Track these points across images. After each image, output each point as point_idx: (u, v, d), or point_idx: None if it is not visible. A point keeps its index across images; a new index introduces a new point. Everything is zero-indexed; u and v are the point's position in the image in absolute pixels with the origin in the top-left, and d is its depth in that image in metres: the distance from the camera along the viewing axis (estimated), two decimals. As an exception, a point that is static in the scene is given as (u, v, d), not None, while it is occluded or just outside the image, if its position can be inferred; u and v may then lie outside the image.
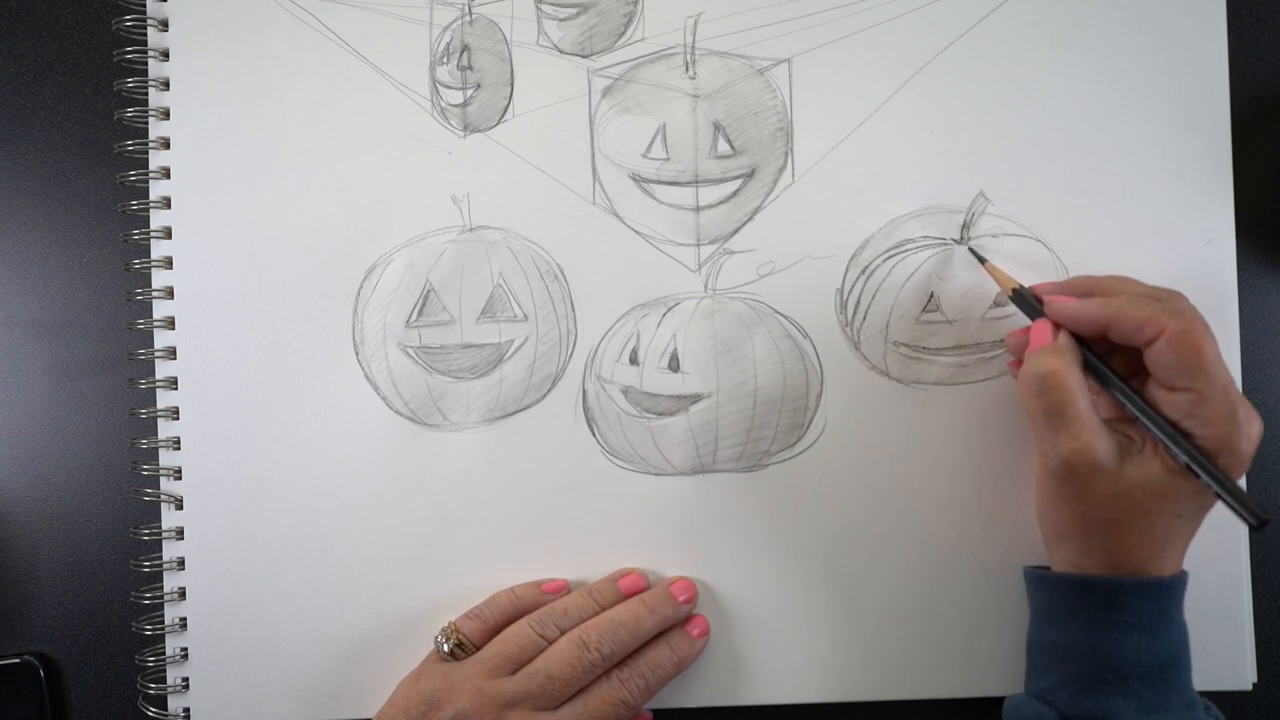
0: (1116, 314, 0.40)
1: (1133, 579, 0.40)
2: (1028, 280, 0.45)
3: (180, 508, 0.48)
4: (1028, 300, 0.44)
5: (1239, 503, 0.37)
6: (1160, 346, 0.38)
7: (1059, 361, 0.40)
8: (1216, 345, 0.39)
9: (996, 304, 0.47)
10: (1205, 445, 0.38)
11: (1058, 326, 0.42)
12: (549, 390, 0.48)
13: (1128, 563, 0.40)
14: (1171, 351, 0.38)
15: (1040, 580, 0.43)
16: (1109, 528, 0.40)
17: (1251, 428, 0.38)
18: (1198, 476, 0.38)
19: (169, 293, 0.48)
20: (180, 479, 0.48)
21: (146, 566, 0.48)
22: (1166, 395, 0.39)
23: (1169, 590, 0.40)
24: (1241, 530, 0.47)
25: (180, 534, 0.48)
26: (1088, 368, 0.41)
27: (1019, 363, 0.43)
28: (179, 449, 0.48)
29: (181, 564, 0.48)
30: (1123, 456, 0.40)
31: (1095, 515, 0.40)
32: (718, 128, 0.48)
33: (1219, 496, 0.38)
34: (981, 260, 0.46)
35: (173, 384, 0.48)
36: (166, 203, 0.48)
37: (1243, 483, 0.46)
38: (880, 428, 0.48)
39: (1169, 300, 0.40)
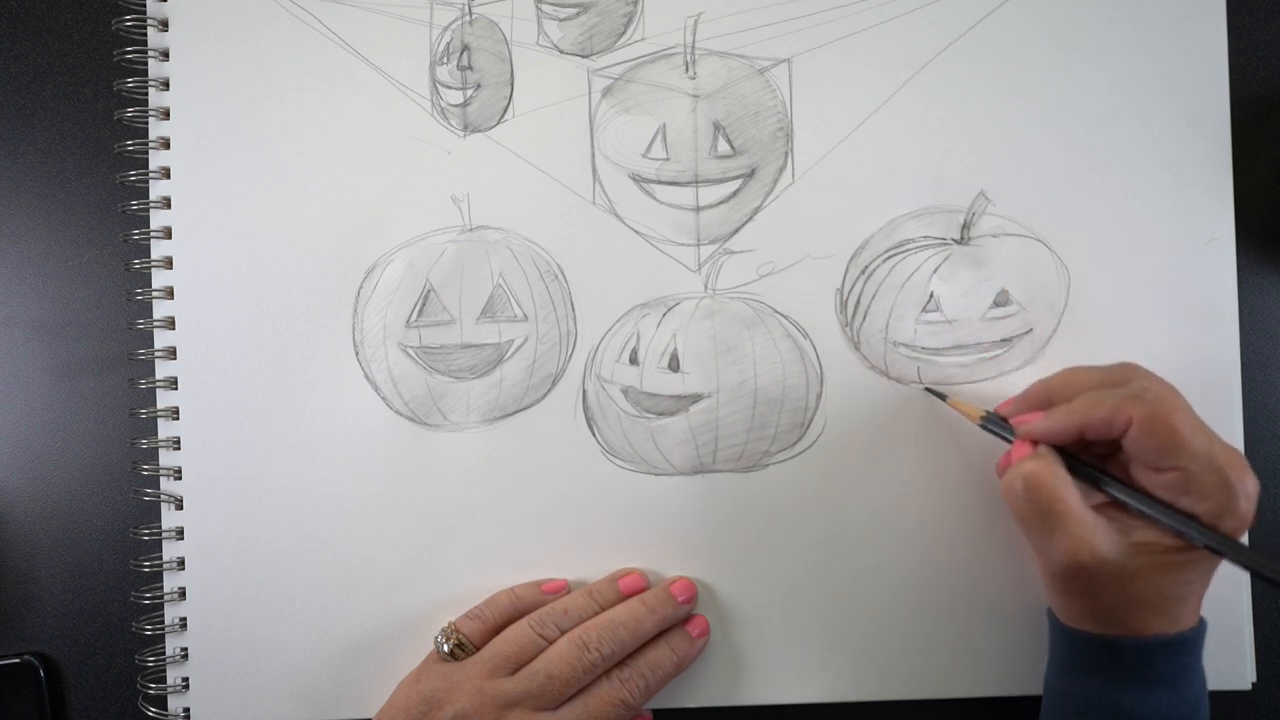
0: (1083, 418, 0.39)
1: (1156, 638, 0.39)
2: (1025, 280, 0.45)
3: (180, 508, 0.48)
4: (997, 424, 0.44)
5: (1266, 571, 0.36)
6: (1134, 435, 0.38)
7: (1039, 463, 0.40)
8: (1189, 412, 0.38)
9: (997, 304, 0.47)
10: (1207, 520, 0.38)
11: (1035, 443, 0.42)
12: (549, 390, 0.48)
13: (1148, 630, 0.39)
14: (1146, 437, 0.38)
15: (1061, 631, 0.42)
16: (1124, 609, 0.39)
17: (1246, 485, 0.38)
18: (1222, 555, 0.38)
19: (169, 293, 0.48)
20: (180, 479, 0.48)
21: (146, 566, 0.48)
22: (1154, 476, 0.39)
23: (1191, 644, 0.40)
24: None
25: (180, 534, 0.48)
26: (1078, 474, 0.40)
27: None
28: (179, 449, 0.48)
29: (181, 564, 0.48)
30: (1124, 539, 0.39)
31: (1107, 604, 0.39)
32: (718, 128, 0.48)
33: (1249, 570, 0.37)
34: (942, 397, 0.47)
35: (173, 384, 0.48)
36: (166, 203, 0.48)
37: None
38: (880, 428, 0.48)
39: (1126, 381, 0.40)
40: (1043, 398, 0.42)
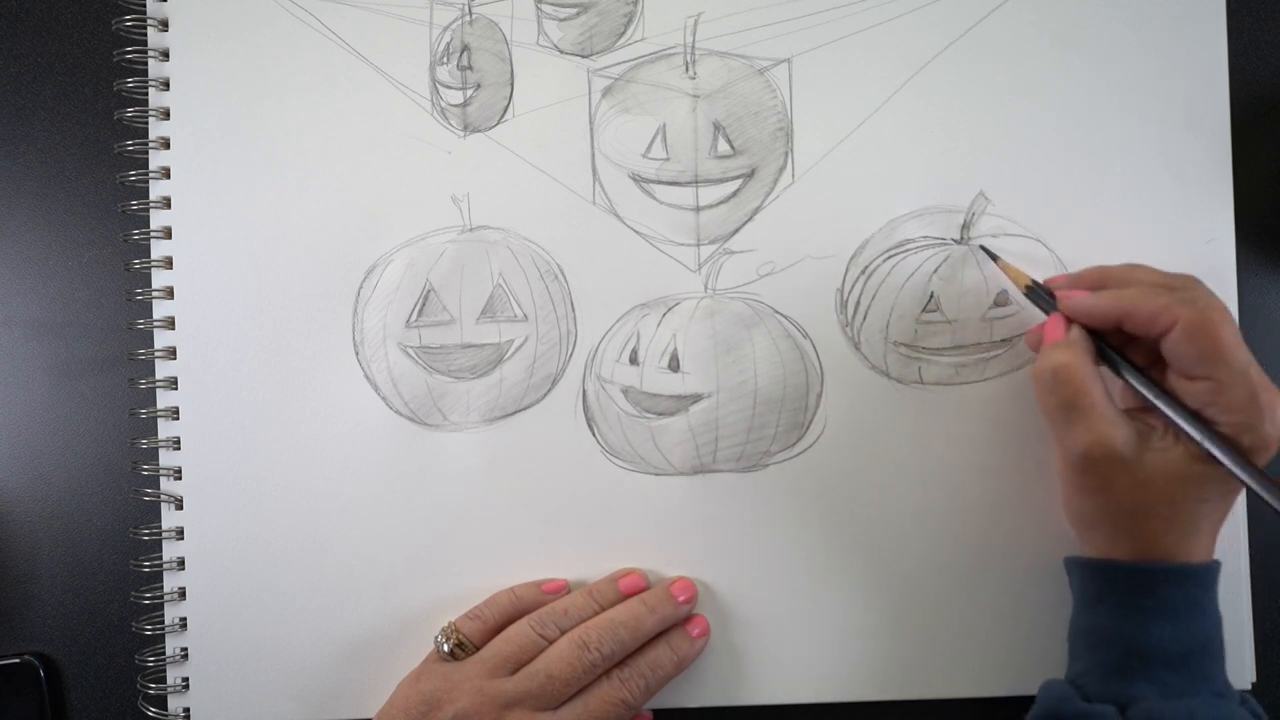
0: (1129, 306, 0.40)
1: (1159, 564, 0.40)
2: (1038, 277, 0.45)
3: (180, 508, 0.48)
4: (1041, 295, 0.44)
5: (1263, 487, 0.37)
6: (1175, 337, 0.38)
7: (1071, 354, 0.40)
8: (1235, 330, 0.38)
9: (997, 304, 0.47)
10: (1228, 432, 0.38)
11: (1071, 321, 0.42)
12: (549, 390, 0.48)
13: (1155, 549, 0.40)
14: (1186, 341, 0.38)
15: (1074, 567, 0.43)
16: (1134, 516, 0.40)
17: (1276, 411, 0.38)
18: (1221, 464, 0.38)
19: (169, 293, 0.48)
20: (180, 479, 0.48)
21: (146, 566, 0.48)
22: (1186, 384, 0.39)
23: (1197, 577, 0.40)
24: (1241, 528, 0.47)
25: (180, 534, 0.48)
26: (1104, 359, 0.41)
27: None
28: (179, 449, 0.48)
29: (181, 564, 0.48)
30: (1143, 444, 0.39)
31: (1119, 504, 0.40)
32: (718, 128, 0.48)
33: (1244, 483, 0.38)
34: (994, 257, 0.46)
35: (173, 384, 0.48)
36: (166, 203, 0.48)
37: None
38: (880, 428, 0.48)
39: (1183, 288, 0.40)
40: (1097, 281, 0.42)
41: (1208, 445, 0.38)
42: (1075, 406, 0.40)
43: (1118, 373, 0.41)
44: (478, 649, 0.44)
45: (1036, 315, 0.48)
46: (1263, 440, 0.38)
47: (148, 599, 0.48)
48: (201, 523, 0.48)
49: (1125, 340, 0.42)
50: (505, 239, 0.48)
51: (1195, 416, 0.39)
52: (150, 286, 0.49)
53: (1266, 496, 0.37)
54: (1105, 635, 0.41)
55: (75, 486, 0.50)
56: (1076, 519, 0.43)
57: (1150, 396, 0.40)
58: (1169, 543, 0.40)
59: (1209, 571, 0.40)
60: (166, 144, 0.48)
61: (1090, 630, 0.42)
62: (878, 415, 0.48)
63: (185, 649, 0.48)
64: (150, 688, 0.48)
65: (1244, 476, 0.38)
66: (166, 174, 0.49)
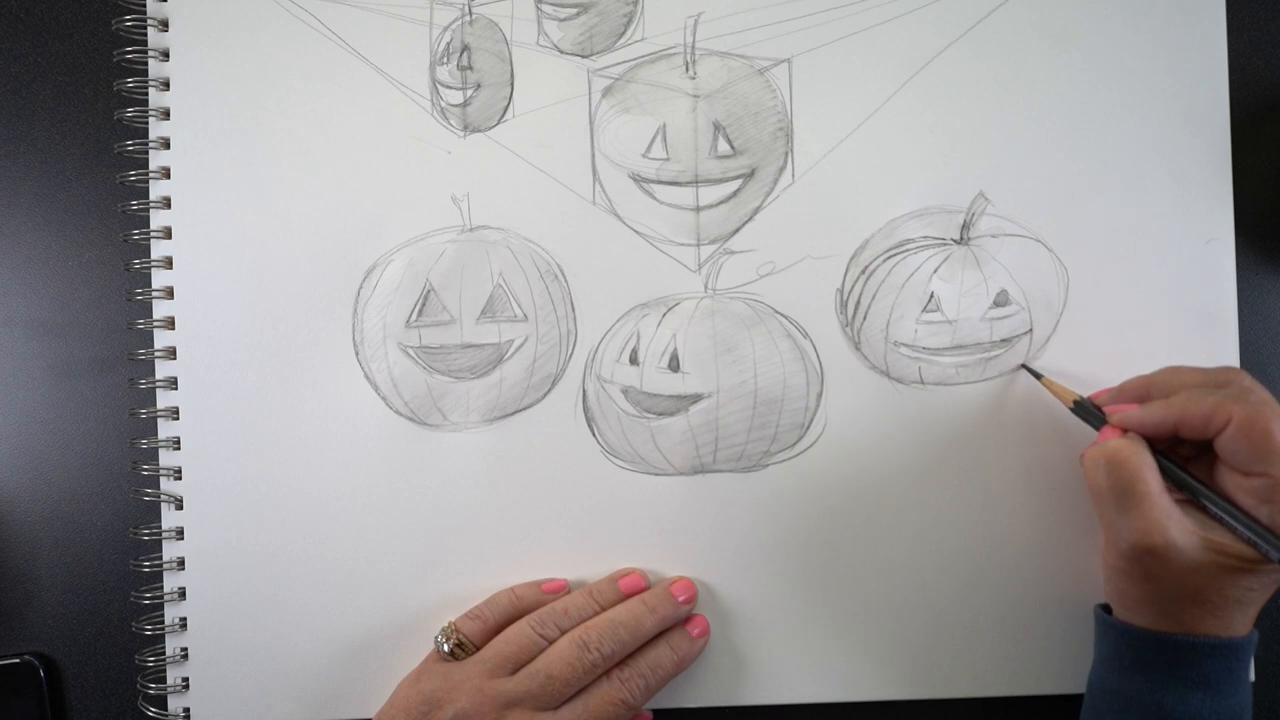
0: (1181, 413, 0.39)
1: (1205, 639, 0.39)
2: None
3: (180, 508, 0.48)
4: (1089, 410, 0.44)
5: None
6: (1230, 434, 0.38)
7: (1127, 443, 0.40)
8: None
9: (997, 304, 0.47)
10: None
11: (1125, 431, 0.41)
12: (549, 390, 0.48)
13: (1198, 628, 0.39)
14: (1242, 439, 0.38)
15: (1109, 627, 0.43)
16: (1181, 600, 0.39)
17: None
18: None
19: (169, 293, 0.48)
20: (180, 479, 0.48)
21: (146, 566, 0.48)
22: (1240, 480, 0.39)
23: (1239, 651, 0.40)
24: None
25: (180, 534, 0.48)
26: (1162, 472, 0.40)
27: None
28: (179, 449, 0.48)
29: (181, 564, 0.48)
30: (1196, 532, 0.39)
31: (1167, 591, 0.39)
32: (718, 128, 0.48)
33: None
34: (1038, 376, 0.47)
35: (173, 384, 0.48)
36: (166, 203, 0.48)
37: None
38: (880, 428, 0.48)
39: (1230, 385, 0.40)
40: (1141, 391, 0.42)
41: (1267, 549, 0.38)
42: (1131, 492, 0.39)
43: (1179, 488, 0.40)
44: (478, 649, 0.44)
45: (1037, 312, 0.48)
46: None
47: (148, 599, 0.48)
48: (201, 523, 0.48)
49: (1171, 445, 0.41)
50: (505, 239, 0.48)
51: (1252, 519, 0.38)
52: (150, 286, 0.49)
53: None
54: (1141, 702, 0.40)
55: (75, 486, 0.50)
56: (1118, 600, 0.42)
57: (1216, 510, 0.39)
58: (1214, 624, 0.39)
59: (1249, 645, 0.40)
60: (166, 144, 0.48)
61: (1123, 694, 0.41)
62: (878, 415, 0.48)
63: (185, 649, 0.48)
64: (150, 688, 0.48)
65: None
66: (166, 174, 0.49)
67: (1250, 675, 0.41)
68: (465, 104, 0.48)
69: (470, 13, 0.49)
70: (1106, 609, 0.44)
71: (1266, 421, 0.38)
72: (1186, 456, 0.42)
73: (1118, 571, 0.41)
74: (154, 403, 0.48)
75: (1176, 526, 0.39)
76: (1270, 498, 0.38)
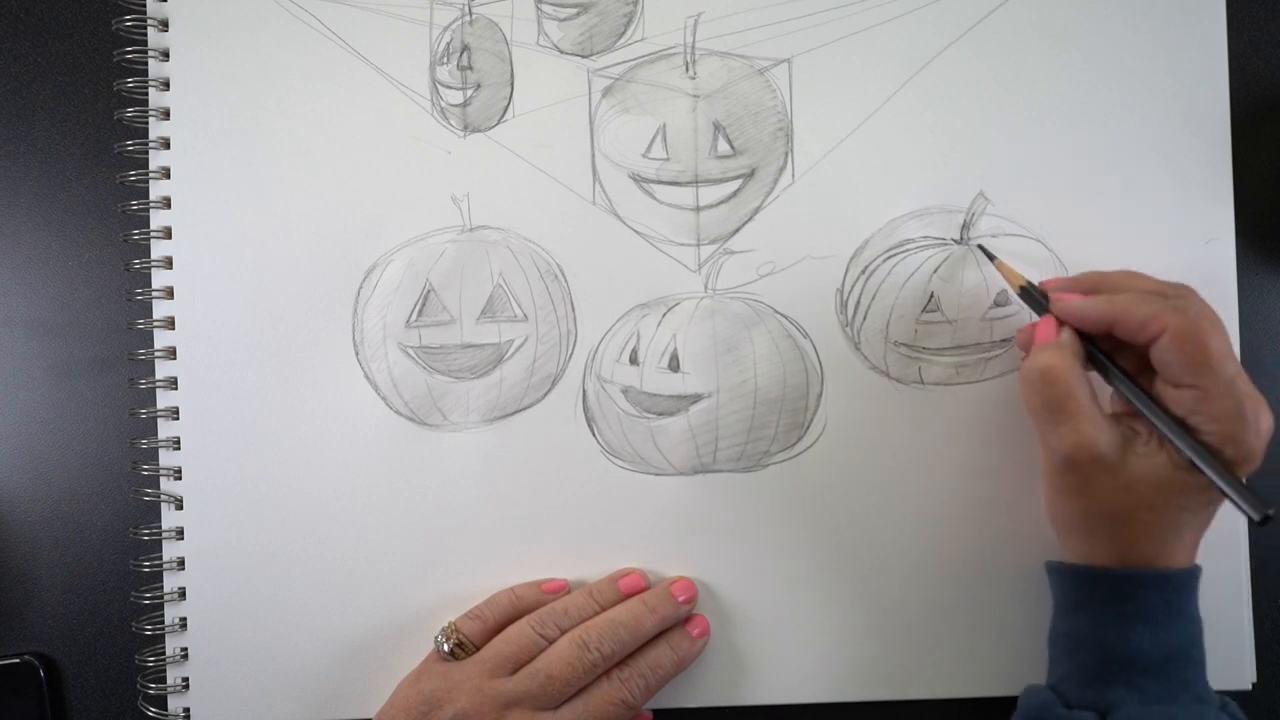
0: (1120, 311, 0.40)
1: (1139, 570, 0.40)
2: (1034, 278, 0.45)
3: (180, 508, 0.48)
4: (1034, 296, 0.44)
5: (1241, 497, 0.37)
6: (1164, 343, 0.38)
7: (1059, 357, 0.40)
8: (1226, 340, 0.38)
9: (997, 304, 0.47)
10: (1211, 441, 0.38)
11: (1063, 323, 0.42)
12: (549, 390, 0.48)
13: (1134, 555, 0.40)
14: (1175, 348, 0.38)
15: (1054, 572, 0.43)
16: (1114, 520, 0.40)
17: (1260, 422, 0.38)
18: (1201, 472, 0.38)
19: (169, 293, 0.48)
20: (180, 479, 0.48)
21: (146, 566, 0.48)
22: (1172, 391, 0.39)
23: (1176, 583, 0.40)
24: (1241, 530, 0.47)
25: (180, 534, 0.48)
26: (1092, 362, 0.41)
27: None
28: (179, 449, 0.48)
29: (181, 564, 0.48)
30: (1127, 449, 0.40)
31: (1099, 508, 0.40)
32: (718, 128, 0.48)
33: (1221, 491, 0.38)
34: (991, 257, 0.47)
35: (173, 384, 0.48)
36: (166, 203, 0.48)
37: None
38: (880, 428, 0.48)
39: (1175, 297, 0.40)
40: (1092, 285, 0.42)
41: (1190, 454, 0.38)
42: (1061, 408, 0.40)
43: (1106, 377, 0.41)
44: (478, 649, 0.44)
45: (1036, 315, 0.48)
46: (1246, 451, 0.38)
47: (148, 599, 0.48)
48: (201, 523, 0.48)
49: (1116, 347, 0.42)
50: (505, 239, 0.48)
51: (1180, 424, 0.39)
52: (150, 286, 0.49)
53: (1244, 508, 0.37)
54: (1084, 641, 0.41)
55: (75, 486, 0.50)
56: (1057, 520, 0.43)
57: (1136, 403, 0.40)
58: (1149, 549, 0.40)
59: (1189, 577, 0.40)
60: (166, 144, 0.48)
61: (1070, 635, 0.42)
62: (878, 415, 0.48)
63: (185, 649, 0.48)
64: (150, 688, 0.48)
65: (1223, 486, 0.37)
66: (166, 174, 0.49)
67: (1197, 610, 0.41)
68: (465, 104, 0.49)
69: (470, 13, 0.49)
70: (1053, 563, 0.44)
71: (1202, 333, 0.38)
72: (1128, 367, 0.42)
73: (1055, 487, 0.41)
74: (154, 403, 0.48)
75: (1106, 439, 0.39)
76: (1198, 408, 0.38)
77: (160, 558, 0.48)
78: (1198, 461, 0.38)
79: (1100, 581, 0.41)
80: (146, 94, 0.49)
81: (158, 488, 0.48)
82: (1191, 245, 0.48)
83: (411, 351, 0.48)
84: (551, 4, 0.49)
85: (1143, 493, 0.39)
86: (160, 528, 0.48)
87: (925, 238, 0.48)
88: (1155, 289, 0.41)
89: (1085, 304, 0.41)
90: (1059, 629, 0.43)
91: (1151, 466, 0.39)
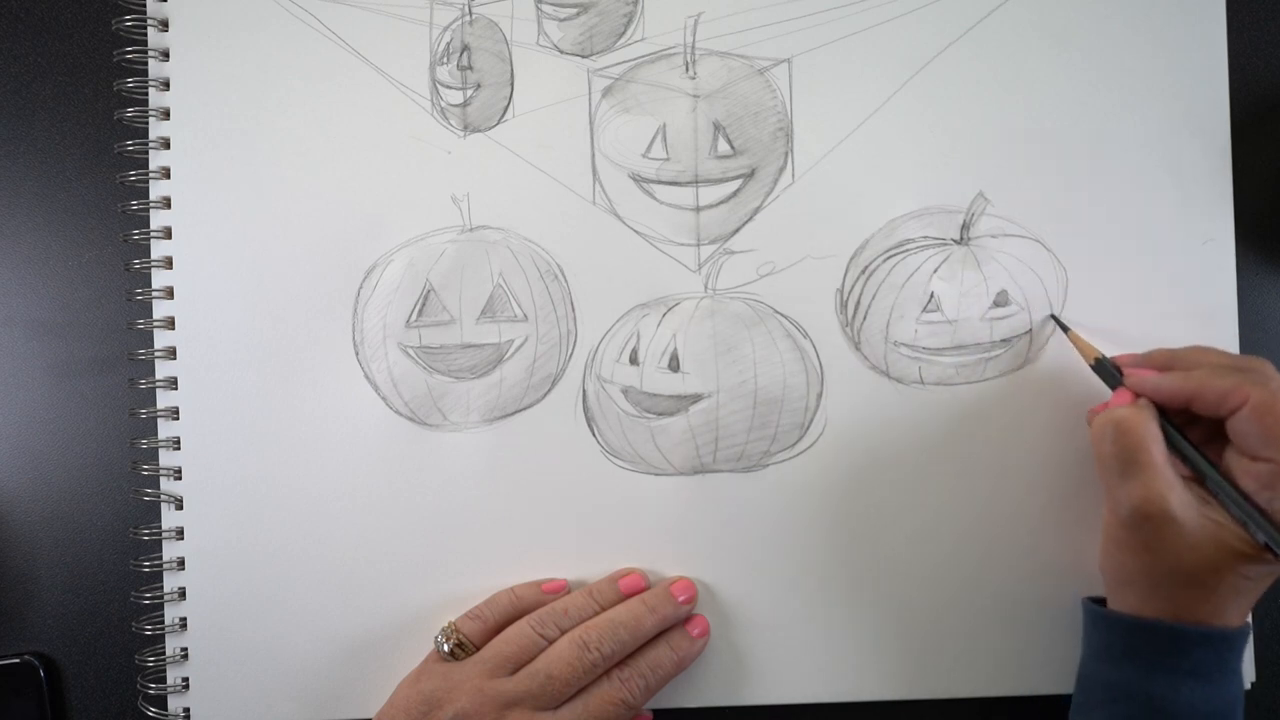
0: (1198, 386, 0.40)
1: (1196, 627, 0.39)
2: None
3: (180, 508, 0.48)
4: (1108, 370, 0.44)
5: None
6: (1243, 416, 0.38)
7: (1134, 411, 0.40)
8: None
9: (997, 304, 0.47)
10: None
11: (1138, 396, 0.42)
12: (549, 390, 0.48)
13: (1190, 613, 0.39)
14: (1255, 421, 0.38)
15: (1099, 617, 0.43)
16: (1175, 578, 0.39)
17: None
18: (1275, 555, 0.38)
19: (169, 293, 0.48)
20: (180, 479, 0.48)
21: (146, 566, 0.48)
22: (1247, 464, 0.39)
23: (1231, 642, 0.40)
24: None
25: (180, 534, 0.48)
26: (1167, 440, 0.41)
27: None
28: (179, 449, 0.48)
29: (181, 564, 0.48)
30: (1196, 510, 0.39)
31: (1164, 566, 0.39)
32: (718, 128, 0.48)
33: None
34: (1065, 329, 0.47)
35: (173, 384, 0.48)
36: (166, 203, 0.48)
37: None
38: (880, 428, 0.48)
39: (1252, 370, 0.40)
40: (1165, 361, 0.42)
41: (1265, 539, 0.38)
42: (1134, 460, 0.39)
43: (1181, 457, 0.41)
44: (478, 649, 0.44)
45: (1036, 314, 0.48)
46: None
47: (148, 599, 0.48)
48: (201, 523, 0.48)
49: (1186, 423, 0.42)
50: (505, 239, 0.48)
51: (1248, 501, 0.38)
52: (150, 286, 0.49)
53: None
54: (1131, 692, 0.40)
55: (75, 486, 0.50)
56: (1113, 571, 0.42)
57: (1210, 480, 0.40)
58: (1205, 609, 0.39)
59: (1241, 637, 0.40)
60: (166, 144, 0.48)
61: (1113, 685, 0.41)
62: (878, 415, 0.48)
63: (185, 649, 0.48)
64: (150, 688, 0.48)
65: None
66: (166, 174, 0.49)
67: (1242, 669, 0.41)
68: (465, 104, 0.49)
69: (470, 13, 0.49)
70: (1095, 601, 0.44)
71: None
72: (1197, 439, 0.42)
73: (1117, 541, 0.41)
74: (154, 403, 0.48)
75: (1177, 498, 0.39)
76: (1273, 484, 0.38)
77: (160, 558, 0.48)
78: (1272, 547, 0.37)
79: (1157, 635, 0.40)
80: (146, 94, 0.49)
81: (158, 488, 0.48)
82: (1190, 245, 0.48)
83: (411, 351, 0.48)
84: (551, 4, 0.49)
85: (1209, 555, 0.39)
86: (160, 528, 0.48)
87: (925, 238, 0.48)
88: (1230, 363, 0.41)
89: (1162, 379, 0.41)
90: (1097, 676, 0.42)
91: (1220, 533, 0.39)
